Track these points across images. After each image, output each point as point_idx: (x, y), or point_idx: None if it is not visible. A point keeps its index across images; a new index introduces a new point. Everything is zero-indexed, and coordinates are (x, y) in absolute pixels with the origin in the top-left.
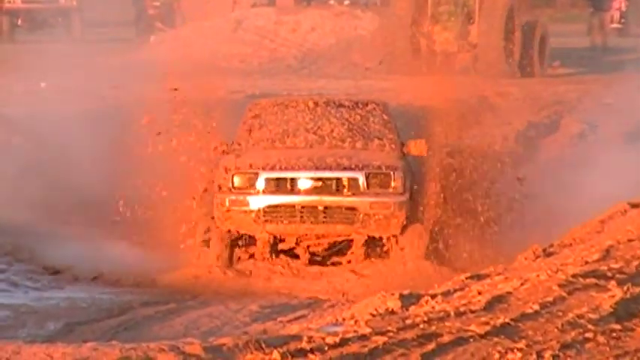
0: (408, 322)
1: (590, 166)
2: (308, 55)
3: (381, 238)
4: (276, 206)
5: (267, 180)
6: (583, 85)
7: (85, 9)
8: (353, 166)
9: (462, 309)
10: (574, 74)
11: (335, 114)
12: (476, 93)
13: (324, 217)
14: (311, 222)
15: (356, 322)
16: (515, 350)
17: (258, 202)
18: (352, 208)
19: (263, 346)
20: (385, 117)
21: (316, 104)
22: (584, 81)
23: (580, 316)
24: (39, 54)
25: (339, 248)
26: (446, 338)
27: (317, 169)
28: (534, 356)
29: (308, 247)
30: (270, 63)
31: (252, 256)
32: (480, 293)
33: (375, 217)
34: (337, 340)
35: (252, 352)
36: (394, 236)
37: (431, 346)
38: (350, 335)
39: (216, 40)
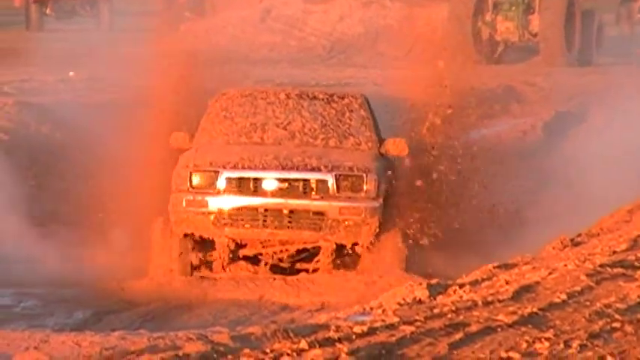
0: (436, 311)
1: (616, 157)
2: (336, 44)
3: (351, 247)
4: (237, 208)
5: (229, 179)
6: (609, 76)
7: None
8: (322, 167)
9: (489, 298)
10: (601, 64)
11: (308, 108)
12: (503, 82)
13: (290, 221)
14: (275, 227)
15: (384, 311)
16: (542, 340)
17: (217, 203)
18: (320, 213)
19: (291, 335)
20: (363, 112)
21: (288, 96)
22: (611, 71)
23: (608, 306)
24: (68, 43)
25: (307, 255)
26: (474, 328)
27: (283, 169)
28: (562, 346)
29: (273, 253)
30: (299, 52)
31: (210, 262)
32: (507, 283)
33: (344, 224)
34: (365, 329)
35: (280, 341)
36: (370, 244)
37: (459, 335)
38: (378, 324)
39: (244, 30)
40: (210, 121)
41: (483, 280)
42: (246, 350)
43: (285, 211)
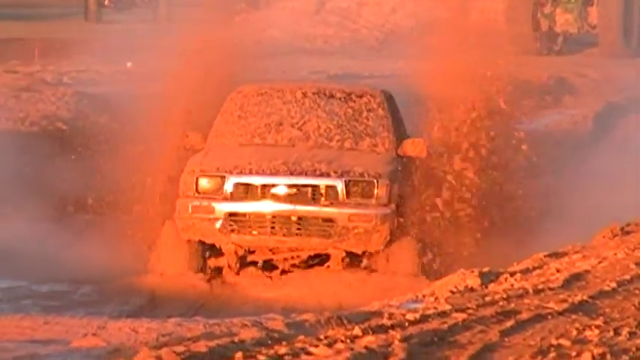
0: (488, 299)
1: None
2: (389, 36)
3: (362, 254)
4: (244, 215)
5: (236, 185)
6: None
7: None
8: (331, 173)
9: (540, 286)
10: None
11: (324, 107)
12: (555, 73)
13: (298, 228)
14: (283, 234)
15: (436, 299)
16: (592, 327)
17: (224, 209)
18: (329, 220)
19: (344, 322)
20: (381, 112)
21: (305, 95)
22: None
23: None
24: (125, 34)
25: (319, 261)
26: (524, 315)
27: (291, 174)
28: (611, 333)
29: (284, 260)
30: (352, 44)
31: (220, 268)
32: (558, 271)
33: (354, 231)
34: (417, 316)
35: (333, 328)
36: (382, 251)
37: (510, 322)
38: (430, 312)
39: (299, 21)
40: (225, 120)
41: (534, 268)
42: (301, 337)
43: (294, 218)
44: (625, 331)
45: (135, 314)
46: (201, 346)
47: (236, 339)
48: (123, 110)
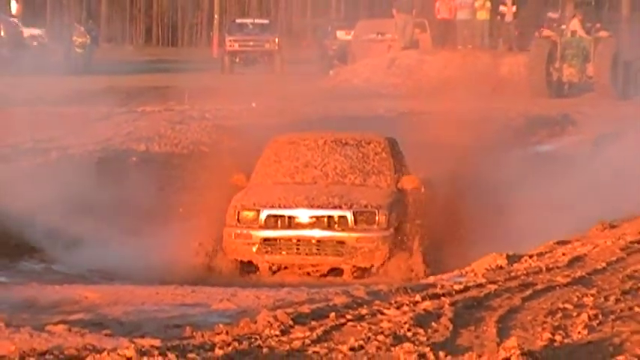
0: (512, 274)
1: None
2: (442, 84)
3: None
4: (275, 239)
5: (268, 216)
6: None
7: (284, 51)
8: (342, 205)
9: (551, 265)
10: (636, 100)
11: (340, 152)
12: (561, 111)
13: (317, 249)
14: (306, 253)
15: (475, 274)
16: (589, 295)
17: (259, 235)
18: (341, 242)
19: (409, 291)
20: (384, 154)
21: (325, 142)
22: None
23: (636, 271)
24: (251, 82)
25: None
26: (539, 286)
27: (312, 207)
28: (602, 299)
29: (307, 273)
30: (415, 90)
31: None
32: (564, 254)
33: (361, 250)
34: (462, 287)
35: (401, 295)
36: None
37: (528, 291)
38: (471, 284)
39: (376, 73)
40: (263, 164)
41: (546, 252)
42: (377, 301)
43: (314, 241)
44: (612, 298)
45: (257, 284)
46: (306, 309)
47: (330, 303)
48: (249, 137)
